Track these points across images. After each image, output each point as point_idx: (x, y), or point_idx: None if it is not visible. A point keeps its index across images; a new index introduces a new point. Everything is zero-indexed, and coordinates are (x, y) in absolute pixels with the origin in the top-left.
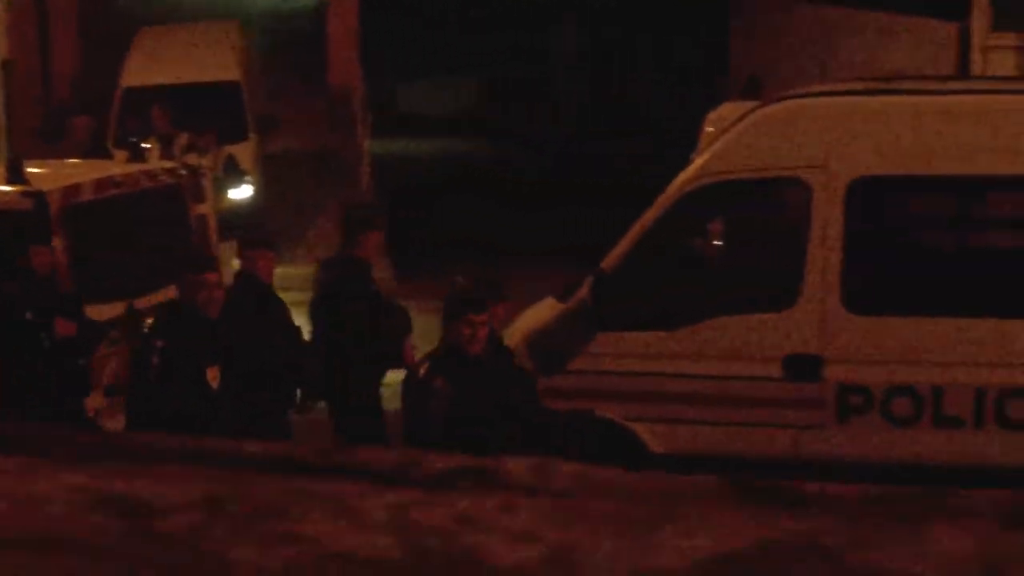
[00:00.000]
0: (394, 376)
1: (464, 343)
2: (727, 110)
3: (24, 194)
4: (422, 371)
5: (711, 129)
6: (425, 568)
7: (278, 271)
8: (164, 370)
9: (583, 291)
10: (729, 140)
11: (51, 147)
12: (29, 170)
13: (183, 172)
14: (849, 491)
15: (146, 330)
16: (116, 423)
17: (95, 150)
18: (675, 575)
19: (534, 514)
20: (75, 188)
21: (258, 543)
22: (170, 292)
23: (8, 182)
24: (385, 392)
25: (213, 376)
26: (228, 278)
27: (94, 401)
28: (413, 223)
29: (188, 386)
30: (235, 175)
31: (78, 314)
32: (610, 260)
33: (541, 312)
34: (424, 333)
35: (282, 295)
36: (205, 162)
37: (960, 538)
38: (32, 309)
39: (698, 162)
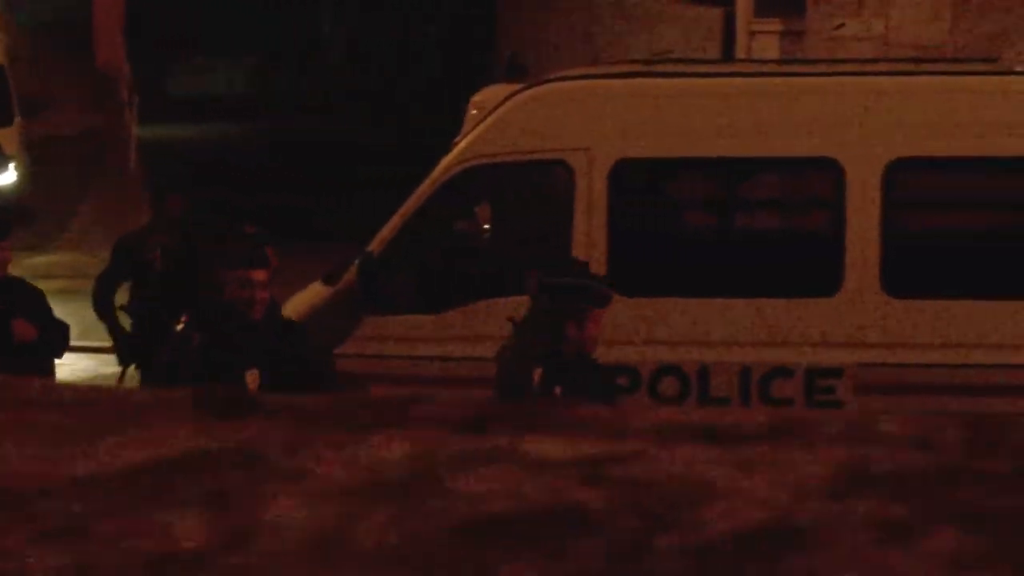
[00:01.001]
0: None
1: (587, 343)
2: (491, 92)
3: None
4: (537, 378)
5: (475, 112)
6: None
7: (42, 259)
8: (199, 368)
9: (350, 274)
10: (493, 122)
11: None
12: None
13: None
14: (314, 402)
15: (184, 323)
16: None
17: None
18: (92, 482)
19: None
20: None
21: None
22: None
23: None
24: None
25: (252, 379)
26: None
27: None
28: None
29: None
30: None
31: (44, 314)
32: (377, 243)
33: (308, 296)
34: None
35: (47, 283)
36: None
37: (401, 444)
38: None
39: (462, 144)
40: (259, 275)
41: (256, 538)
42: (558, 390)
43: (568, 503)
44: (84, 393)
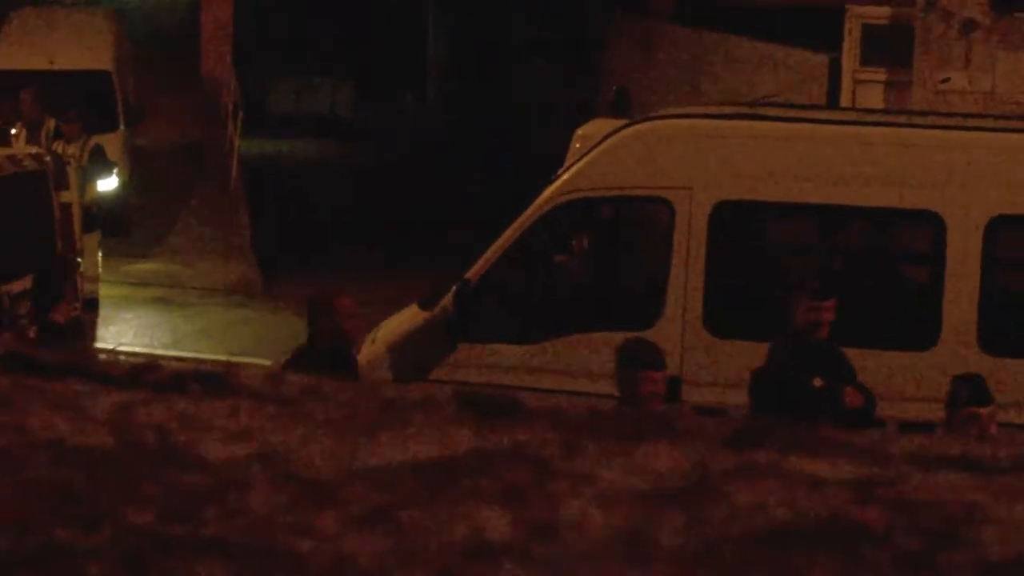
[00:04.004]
0: None
1: None
2: (595, 127)
3: None
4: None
5: (579, 145)
6: (134, 457)
7: (140, 267)
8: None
9: (446, 300)
10: (596, 157)
11: None
12: None
13: (48, 159)
14: (574, 407)
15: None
16: None
17: None
18: (385, 473)
19: (257, 417)
20: None
21: None
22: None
23: None
24: None
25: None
26: (92, 270)
27: None
28: (278, 225)
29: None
30: (103, 165)
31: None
32: (474, 271)
33: (404, 319)
34: (291, 338)
35: (144, 291)
36: (71, 150)
37: (674, 454)
38: None
39: (565, 177)
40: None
41: (559, 533)
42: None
43: (847, 518)
44: (347, 388)
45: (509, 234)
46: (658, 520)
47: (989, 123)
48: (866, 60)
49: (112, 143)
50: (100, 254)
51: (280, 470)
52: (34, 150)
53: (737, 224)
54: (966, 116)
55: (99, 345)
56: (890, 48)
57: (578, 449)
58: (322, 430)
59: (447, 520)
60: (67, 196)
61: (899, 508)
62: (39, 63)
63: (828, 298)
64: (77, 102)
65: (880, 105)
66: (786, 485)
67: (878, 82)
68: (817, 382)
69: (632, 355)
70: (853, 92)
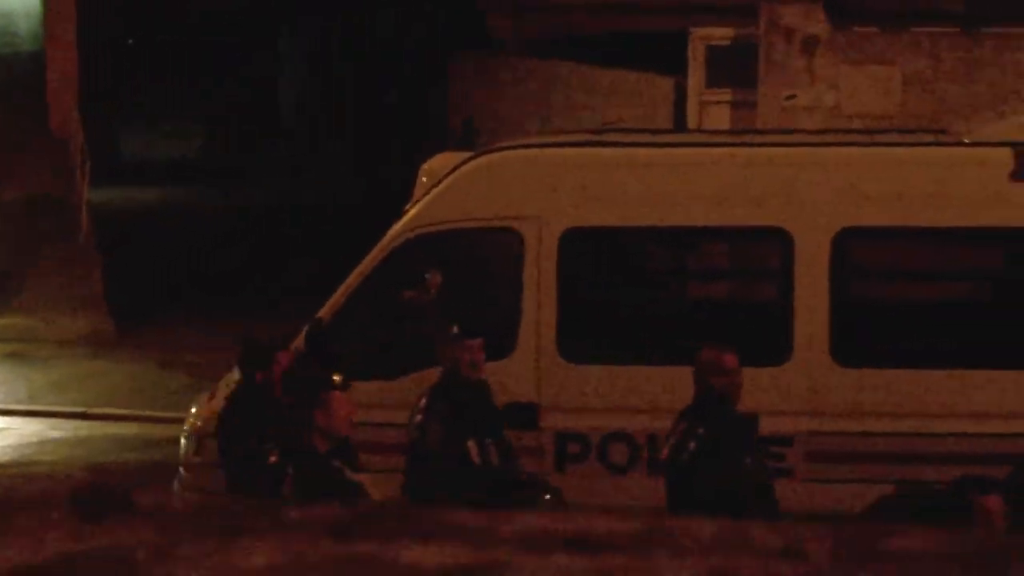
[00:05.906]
0: None
1: None
2: (441, 160)
3: None
4: None
5: (425, 179)
6: None
7: None
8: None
9: (298, 340)
10: (443, 190)
11: None
12: None
13: None
14: (183, 503)
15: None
16: None
17: None
18: None
19: None
20: None
21: None
22: None
23: None
24: None
25: None
26: None
27: None
28: (131, 273)
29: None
30: None
31: None
32: (327, 309)
33: None
34: (147, 387)
35: (1, 347)
36: None
37: (273, 548)
38: None
39: (412, 211)
40: None
41: None
42: None
43: None
44: None
45: (359, 271)
46: None
47: (833, 138)
48: (711, 81)
49: None
50: None
51: None
52: None
53: (587, 250)
54: (811, 132)
55: None
56: (735, 68)
57: (172, 551)
58: None
59: None
60: None
61: None
62: None
63: None
64: None
65: (727, 125)
66: None
67: (724, 103)
68: None
69: None
70: (700, 114)
